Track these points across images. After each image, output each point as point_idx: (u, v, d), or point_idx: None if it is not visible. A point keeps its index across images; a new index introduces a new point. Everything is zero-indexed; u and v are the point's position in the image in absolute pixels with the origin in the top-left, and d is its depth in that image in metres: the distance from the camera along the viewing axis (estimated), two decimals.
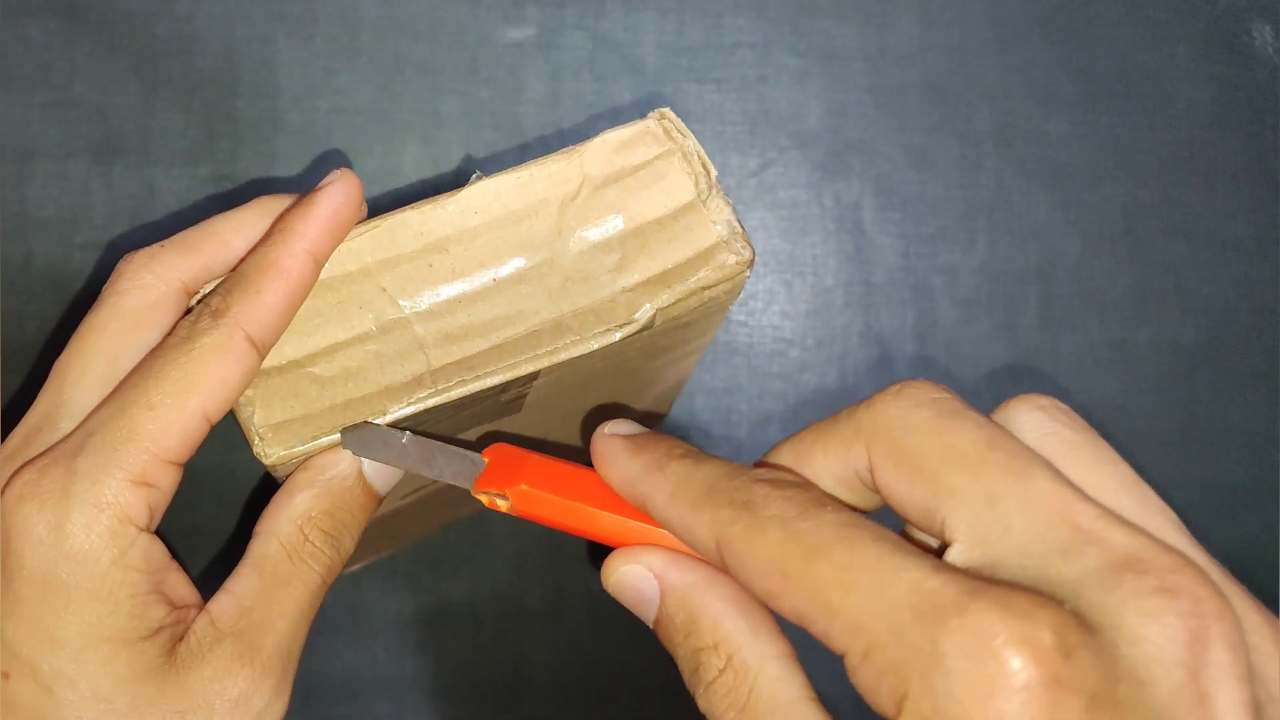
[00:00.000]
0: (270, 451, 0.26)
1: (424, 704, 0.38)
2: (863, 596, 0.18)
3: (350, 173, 0.27)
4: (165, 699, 0.24)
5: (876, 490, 0.21)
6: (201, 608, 0.26)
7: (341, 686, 0.37)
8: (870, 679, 0.18)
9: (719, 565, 0.21)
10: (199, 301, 0.27)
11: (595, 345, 0.27)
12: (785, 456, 0.23)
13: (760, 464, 0.23)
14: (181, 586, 0.26)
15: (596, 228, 0.27)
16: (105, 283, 0.28)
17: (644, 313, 0.27)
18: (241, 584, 0.26)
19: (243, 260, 0.27)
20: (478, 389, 0.27)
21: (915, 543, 0.21)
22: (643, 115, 0.37)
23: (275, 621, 0.26)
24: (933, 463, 0.20)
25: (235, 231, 0.28)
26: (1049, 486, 0.19)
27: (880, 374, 0.38)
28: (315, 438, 0.26)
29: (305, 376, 0.27)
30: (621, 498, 0.23)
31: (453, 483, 0.26)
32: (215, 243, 0.28)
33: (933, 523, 0.20)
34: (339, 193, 0.27)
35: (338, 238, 0.27)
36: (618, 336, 0.27)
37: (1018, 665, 0.16)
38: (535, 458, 0.25)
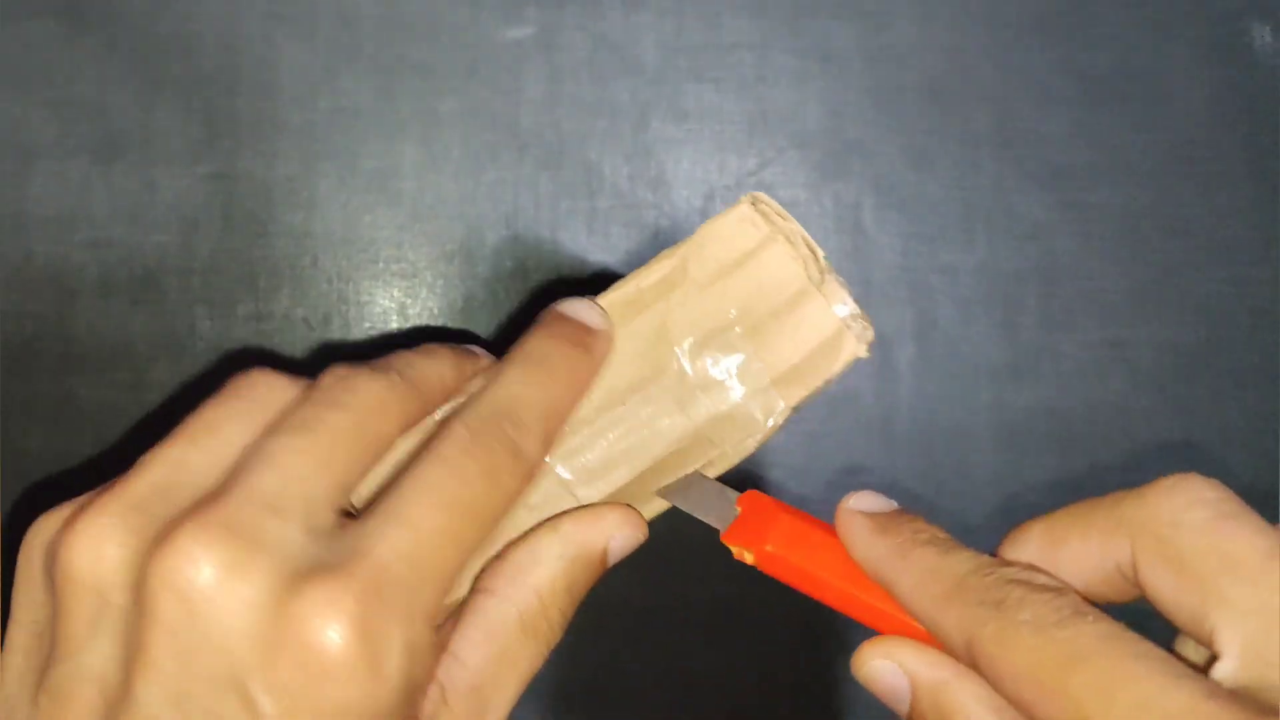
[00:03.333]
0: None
1: None
2: (1125, 713, 0.17)
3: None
4: None
5: (1139, 586, 0.20)
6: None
7: None
8: None
9: (967, 663, 0.20)
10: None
11: (737, 458, 0.26)
12: (1036, 537, 0.22)
13: (1004, 550, 0.22)
14: None
15: (713, 330, 0.26)
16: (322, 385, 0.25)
17: (779, 413, 0.26)
18: (475, 656, 0.23)
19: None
20: None
21: (1178, 654, 0.19)
22: (642, 115, 0.38)
23: (498, 705, 0.24)
24: (1206, 567, 0.19)
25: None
26: None
27: (880, 374, 0.38)
28: None
29: None
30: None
31: (705, 521, 0.25)
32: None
33: (1200, 629, 0.19)
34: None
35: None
36: (754, 445, 0.26)
37: None
38: (785, 516, 0.24)
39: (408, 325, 0.38)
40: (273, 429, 0.23)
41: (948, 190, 0.38)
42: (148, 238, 0.37)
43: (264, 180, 0.37)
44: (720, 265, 0.26)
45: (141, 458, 0.23)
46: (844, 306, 0.26)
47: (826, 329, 0.26)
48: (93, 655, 0.21)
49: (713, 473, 0.26)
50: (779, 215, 0.26)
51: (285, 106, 0.37)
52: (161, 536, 0.21)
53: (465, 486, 0.22)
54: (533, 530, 0.25)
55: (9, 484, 0.36)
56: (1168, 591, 0.19)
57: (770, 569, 0.24)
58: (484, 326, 0.37)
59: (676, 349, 0.26)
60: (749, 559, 0.25)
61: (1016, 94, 0.39)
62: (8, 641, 0.22)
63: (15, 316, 0.37)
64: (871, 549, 0.22)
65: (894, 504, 0.24)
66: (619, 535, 0.25)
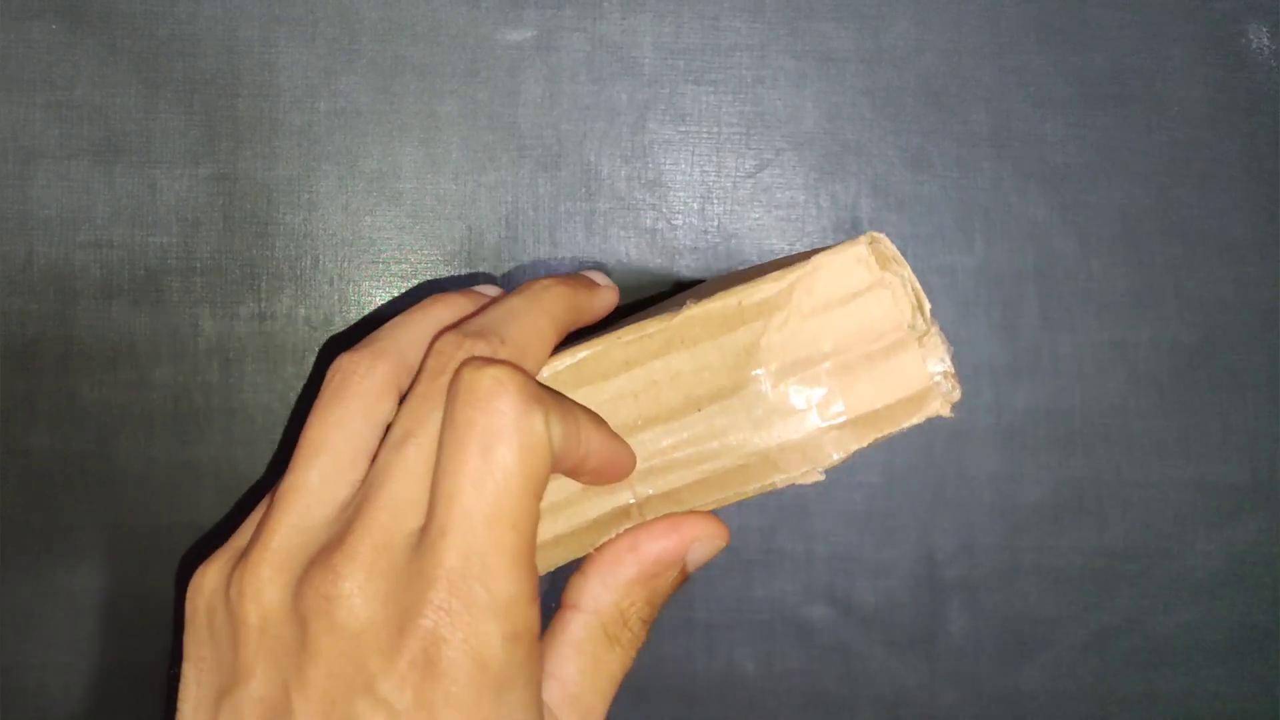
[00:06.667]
0: None
1: None
2: None
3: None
4: None
5: None
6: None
7: None
8: None
9: None
10: None
11: (801, 482, 0.26)
12: None
13: None
14: None
15: (803, 360, 0.26)
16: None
17: (848, 452, 0.26)
18: (568, 669, 0.26)
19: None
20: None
21: None
22: (641, 117, 0.38)
23: (596, 708, 0.26)
24: None
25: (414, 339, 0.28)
26: None
27: None
28: None
29: None
30: None
31: None
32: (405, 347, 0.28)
33: None
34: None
35: None
36: (815, 476, 0.26)
37: None
38: None
39: None
40: (385, 443, 0.25)
41: (946, 191, 0.39)
42: (149, 238, 0.37)
43: (264, 181, 0.37)
44: (826, 299, 0.26)
45: (276, 493, 0.26)
46: (940, 363, 0.26)
47: (916, 384, 0.26)
48: (258, 681, 0.24)
49: (766, 489, 0.26)
50: (894, 260, 0.26)
51: (285, 108, 0.37)
52: (305, 577, 0.24)
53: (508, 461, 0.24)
54: (612, 543, 0.27)
55: (10, 484, 0.37)
56: None
57: None
58: None
59: (762, 369, 0.26)
60: None
61: (1014, 95, 0.39)
62: (184, 675, 0.26)
63: (17, 317, 0.37)
64: None
65: None
66: (698, 546, 0.27)
